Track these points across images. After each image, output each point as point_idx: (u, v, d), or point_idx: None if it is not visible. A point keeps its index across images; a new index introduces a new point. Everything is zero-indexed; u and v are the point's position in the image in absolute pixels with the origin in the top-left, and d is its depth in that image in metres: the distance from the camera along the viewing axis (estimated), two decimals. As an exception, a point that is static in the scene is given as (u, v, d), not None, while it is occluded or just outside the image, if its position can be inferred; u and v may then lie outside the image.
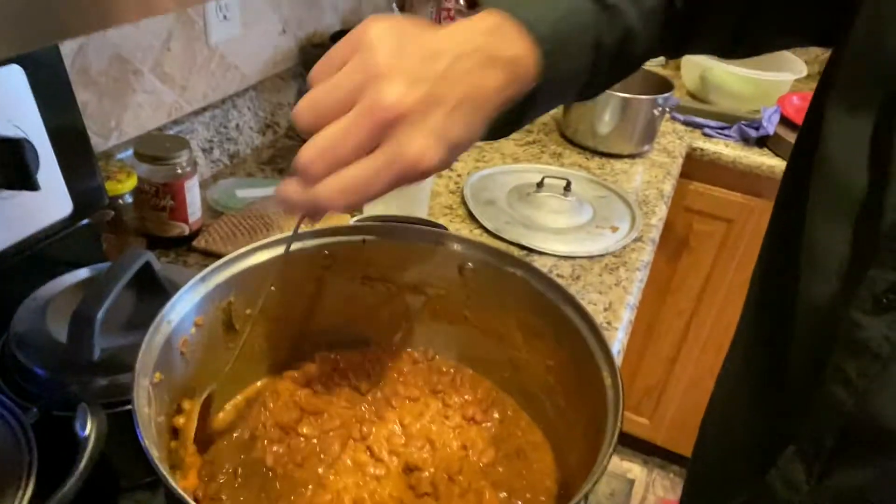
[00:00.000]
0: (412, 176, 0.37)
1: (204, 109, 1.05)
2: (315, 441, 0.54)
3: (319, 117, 0.37)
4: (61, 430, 0.50)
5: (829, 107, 0.46)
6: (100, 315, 0.56)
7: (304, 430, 0.55)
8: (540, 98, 0.45)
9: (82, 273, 0.70)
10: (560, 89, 0.47)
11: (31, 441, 0.49)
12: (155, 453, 0.37)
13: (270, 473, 0.52)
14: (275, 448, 0.53)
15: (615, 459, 1.99)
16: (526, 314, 0.56)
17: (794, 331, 0.48)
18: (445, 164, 0.38)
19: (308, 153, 0.36)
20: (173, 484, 0.35)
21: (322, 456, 0.53)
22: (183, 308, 0.48)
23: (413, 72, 0.36)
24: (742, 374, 0.60)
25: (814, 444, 0.46)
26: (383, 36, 0.37)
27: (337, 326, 0.61)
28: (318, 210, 0.38)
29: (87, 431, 0.49)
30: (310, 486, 0.51)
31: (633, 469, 2.00)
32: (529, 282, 0.55)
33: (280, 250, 0.54)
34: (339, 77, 0.37)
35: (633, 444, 1.98)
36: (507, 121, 0.45)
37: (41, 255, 0.71)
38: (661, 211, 1.15)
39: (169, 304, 0.47)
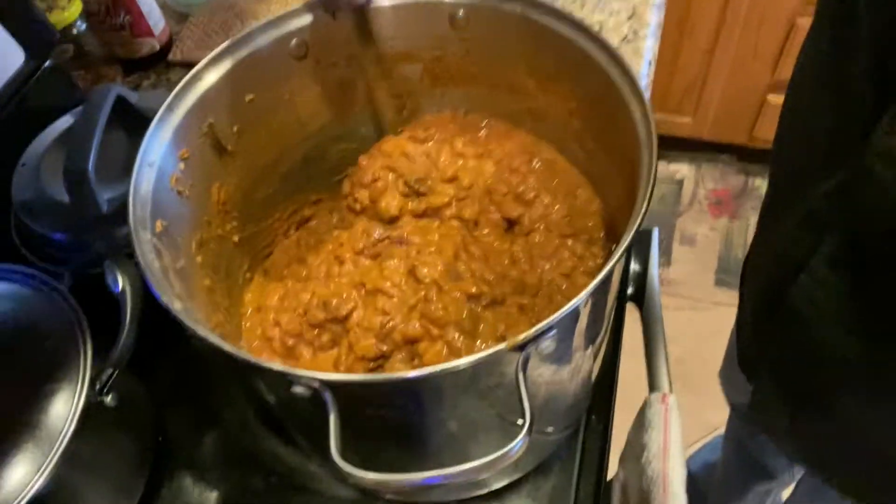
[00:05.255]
0: None
1: None
2: None
3: None
4: (102, 286, 0.50)
5: None
6: (90, 168, 0.53)
7: None
8: None
9: (63, 122, 0.65)
10: None
11: (74, 305, 0.49)
12: (177, 305, 0.36)
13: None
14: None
15: (662, 164, 1.97)
16: (534, 56, 0.49)
17: None
18: None
19: None
20: (201, 331, 0.34)
21: None
22: (160, 145, 0.43)
23: None
24: (823, 34, 0.46)
25: None
26: None
27: (336, 121, 0.56)
28: None
29: (120, 286, 0.49)
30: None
31: (681, 169, 1.99)
32: (530, 17, 0.47)
33: (245, 50, 0.47)
34: None
35: (678, 145, 1.94)
36: None
37: (18, 113, 0.66)
38: None
39: (143, 147, 0.42)
